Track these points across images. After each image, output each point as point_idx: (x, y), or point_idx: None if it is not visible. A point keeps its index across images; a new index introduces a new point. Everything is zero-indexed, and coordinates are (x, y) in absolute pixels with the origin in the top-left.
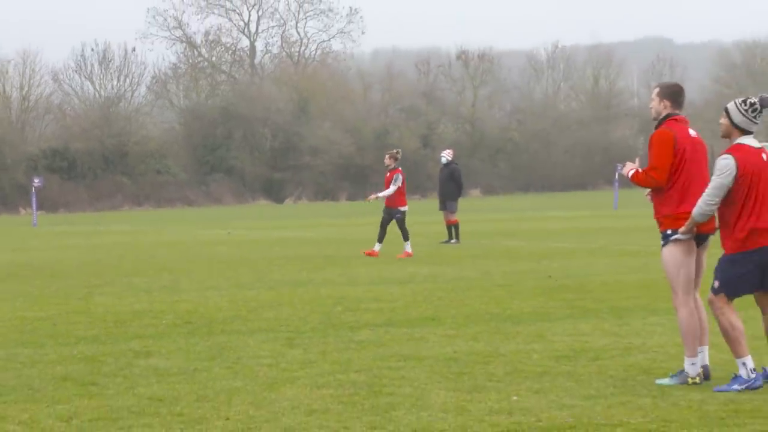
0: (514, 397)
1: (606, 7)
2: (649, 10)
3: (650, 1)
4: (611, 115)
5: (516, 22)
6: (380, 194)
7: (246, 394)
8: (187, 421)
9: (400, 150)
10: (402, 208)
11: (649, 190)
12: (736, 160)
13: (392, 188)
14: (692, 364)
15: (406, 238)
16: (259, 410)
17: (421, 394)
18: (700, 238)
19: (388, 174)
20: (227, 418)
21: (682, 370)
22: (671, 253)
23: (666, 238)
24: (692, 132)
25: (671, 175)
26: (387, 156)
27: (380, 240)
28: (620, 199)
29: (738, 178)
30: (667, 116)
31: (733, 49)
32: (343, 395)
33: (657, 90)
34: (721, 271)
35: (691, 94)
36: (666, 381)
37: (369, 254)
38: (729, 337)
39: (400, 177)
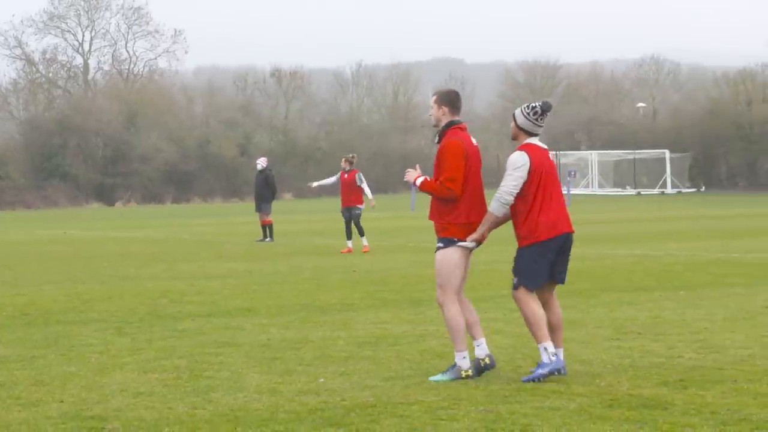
0: (321, 380)
1: (405, 30)
2: (442, 33)
3: (444, 25)
4: (408, 126)
5: (323, 43)
6: (370, 197)
7: (79, 379)
8: (24, 403)
9: (355, 155)
10: (360, 206)
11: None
12: (530, 156)
13: (366, 187)
14: (463, 357)
15: (362, 233)
16: (90, 393)
17: (238, 377)
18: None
19: (347, 176)
20: (62, 401)
21: (454, 365)
22: (451, 255)
23: (449, 243)
24: (473, 140)
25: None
26: (343, 160)
27: (350, 237)
28: (417, 201)
29: (531, 173)
30: (451, 124)
31: (517, 68)
32: (167, 379)
33: (435, 97)
34: (518, 266)
35: (479, 108)
36: (439, 377)
37: (346, 252)
38: (531, 323)
39: (362, 176)
